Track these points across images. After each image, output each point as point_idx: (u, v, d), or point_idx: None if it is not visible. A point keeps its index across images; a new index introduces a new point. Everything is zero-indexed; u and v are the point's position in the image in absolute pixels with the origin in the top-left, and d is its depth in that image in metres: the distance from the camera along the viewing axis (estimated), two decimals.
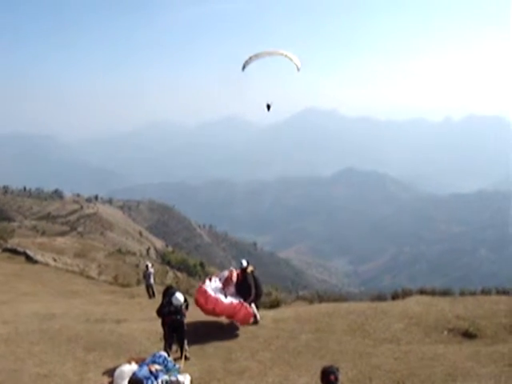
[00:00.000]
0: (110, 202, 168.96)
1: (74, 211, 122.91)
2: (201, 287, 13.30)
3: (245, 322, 13.15)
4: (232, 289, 13.51)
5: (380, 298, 17.46)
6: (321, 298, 20.50)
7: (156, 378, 8.30)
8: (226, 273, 14.04)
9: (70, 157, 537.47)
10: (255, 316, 13.56)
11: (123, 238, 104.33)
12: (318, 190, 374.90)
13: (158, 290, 20.82)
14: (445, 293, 15.83)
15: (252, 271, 13.73)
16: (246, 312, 12.96)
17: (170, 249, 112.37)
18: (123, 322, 14.62)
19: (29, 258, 33.75)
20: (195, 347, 11.84)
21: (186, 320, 11.07)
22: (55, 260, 40.28)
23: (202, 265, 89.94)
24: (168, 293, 11.29)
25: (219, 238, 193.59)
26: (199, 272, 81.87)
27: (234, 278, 13.70)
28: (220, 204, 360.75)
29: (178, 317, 10.76)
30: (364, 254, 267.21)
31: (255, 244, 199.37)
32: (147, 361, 8.85)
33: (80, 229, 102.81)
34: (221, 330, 13.29)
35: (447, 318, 12.65)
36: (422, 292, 16.12)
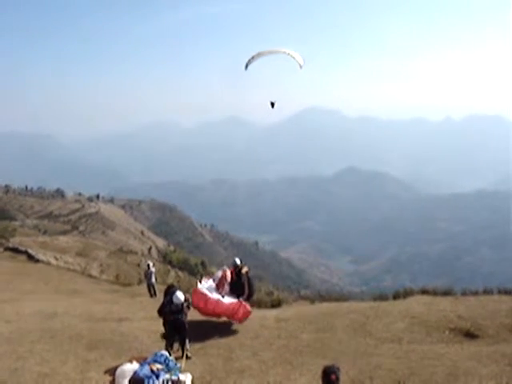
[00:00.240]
0: (111, 201, 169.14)
1: (76, 210, 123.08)
2: (197, 290, 13.25)
3: (243, 320, 13.23)
4: (227, 288, 13.56)
5: (381, 297, 17.46)
6: (322, 297, 20.52)
7: (157, 377, 8.29)
8: (219, 272, 14.00)
9: (71, 156, 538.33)
10: None
11: (125, 237, 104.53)
12: (320, 189, 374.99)
13: (160, 289, 20.83)
14: (446, 292, 15.82)
15: (247, 272, 13.80)
16: (245, 310, 13.06)
17: (171, 248, 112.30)
18: (124, 321, 14.64)
19: (30, 257, 33.79)
20: (196, 346, 11.85)
21: (187, 319, 11.09)
22: (57, 259, 40.27)
23: (203, 264, 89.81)
24: (169, 292, 11.30)
25: (221, 238, 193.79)
26: (201, 271, 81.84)
27: (228, 278, 13.74)
28: (221, 203, 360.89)
29: (180, 316, 10.78)
30: (365, 254, 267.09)
31: (257, 243, 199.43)
32: (148, 360, 8.83)
33: (82, 228, 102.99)
34: (222, 329, 13.30)
35: (449, 317, 12.64)
36: (423, 292, 16.11)
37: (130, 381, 8.33)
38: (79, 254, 50.34)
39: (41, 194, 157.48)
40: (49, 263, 34.82)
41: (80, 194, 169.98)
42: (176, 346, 11.10)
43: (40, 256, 35.84)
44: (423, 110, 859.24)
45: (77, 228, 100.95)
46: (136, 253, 74.90)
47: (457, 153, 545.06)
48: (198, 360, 11.03)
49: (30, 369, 10.14)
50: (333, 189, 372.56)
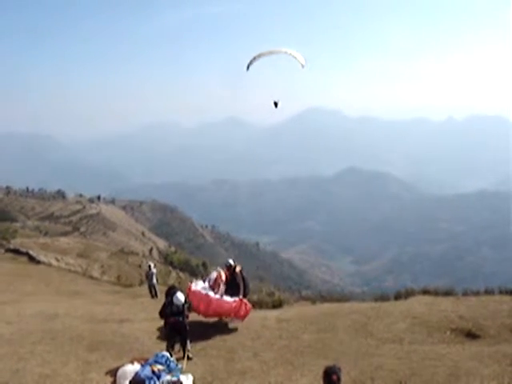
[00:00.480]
0: (112, 202, 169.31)
1: (77, 211, 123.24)
2: (195, 292, 13.18)
3: (244, 318, 13.26)
4: (222, 288, 13.55)
5: (383, 297, 17.44)
6: (323, 297, 20.49)
7: (158, 378, 8.30)
8: (214, 274, 13.95)
9: (71, 157, 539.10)
10: None
11: (126, 238, 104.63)
12: (321, 189, 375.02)
13: (161, 290, 20.85)
14: (447, 293, 15.79)
15: (240, 271, 13.83)
16: (246, 308, 13.13)
17: (172, 249, 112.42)
18: (126, 322, 14.64)
19: (32, 259, 33.81)
20: (197, 347, 11.85)
21: (188, 320, 11.10)
22: (58, 260, 40.33)
23: (204, 265, 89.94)
24: (170, 293, 11.31)
25: (222, 238, 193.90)
26: (202, 272, 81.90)
27: (223, 278, 13.73)
28: (222, 204, 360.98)
29: (181, 318, 10.79)
30: (367, 254, 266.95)
31: (258, 244, 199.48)
32: (150, 361, 8.85)
33: (83, 229, 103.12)
34: (223, 330, 13.30)
35: (450, 317, 12.62)
36: (424, 292, 16.08)
37: (131, 382, 8.34)
38: (80, 255, 50.43)
39: (42, 196, 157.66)
40: (50, 264, 34.84)
41: (81, 195, 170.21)
42: (177, 346, 11.10)
43: (41, 257, 35.86)
44: (425, 110, 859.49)
45: (78, 229, 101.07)
46: (137, 254, 75.00)
47: (458, 153, 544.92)
48: (199, 361, 11.02)
49: (31, 370, 10.14)
50: (334, 189, 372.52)
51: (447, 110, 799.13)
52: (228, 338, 12.70)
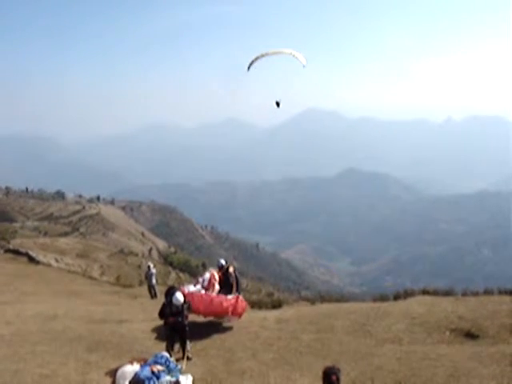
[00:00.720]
0: (112, 202, 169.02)
1: (76, 212, 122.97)
2: (193, 294, 13.17)
3: (241, 316, 13.42)
4: (217, 288, 13.67)
5: (382, 298, 17.46)
6: (323, 298, 20.50)
7: (158, 378, 8.31)
8: (207, 275, 14.06)
9: (71, 158, 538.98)
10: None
11: (125, 239, 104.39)
12: (320, 190, 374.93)
13: (160, 291, 20.87)
14: (447, 293, 15.81)
15: (234, 270, 14.02)
16: (243, 305, 13.31)
17: (172, 249, 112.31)
18: (125, 323, 14.64)
19: (31, 259, 33.81)
20: (197, 348, 11.86)
21: (188, 320, 11.11)
22: (57, 261, 40.37)
23: (204, 265, 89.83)
24: (170, 293, 11.33)
25: (221, 239, 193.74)
26: (201, 273, 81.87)
27: (217, 278, 13.84)
28: (222, 205, 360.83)
29: (180, 318, 10.79)
30: (366, 255, 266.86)
31: (257, 245, 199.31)
32: (149, 361, 8.86)
33: (82, 229, 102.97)
34: (222, 331, 13.31)
35: (449, 318, 12.63)
36: (424, 292, 16.10)
37: (130, 382, 8.35)
38: (80, 256, 50.44)
39: (41, 196, 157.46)
40: (49, 265, 34.87)
41: (80, 196, 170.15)
42: (177, 347, 11.11)
43: (40, 258, 35.90)
44: (424, 110, 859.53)
45: (77, 230, 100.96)
46: (136, 254, 74.98)
47: (458, 154, 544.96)
48: (198, 361, 11.03)
49: (30, 371, 10.14)
50: (333, 190, 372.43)
51: (446, 111, 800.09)
52: (227, 338, 12.71)
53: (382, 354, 10.89)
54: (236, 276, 13.86)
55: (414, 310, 13.49)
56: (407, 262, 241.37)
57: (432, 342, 11.54)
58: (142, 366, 8.63)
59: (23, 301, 19.31)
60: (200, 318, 13.58)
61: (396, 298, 16.51)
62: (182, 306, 10.92)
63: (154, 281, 22.29)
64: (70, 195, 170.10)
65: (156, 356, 9.08)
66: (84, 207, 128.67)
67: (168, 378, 8.46)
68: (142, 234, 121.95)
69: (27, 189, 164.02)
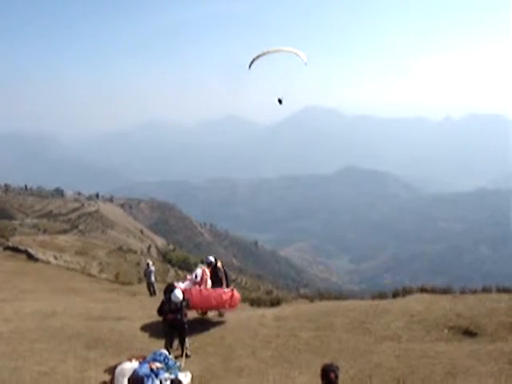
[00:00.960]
0: (111, 200, 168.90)
1: (75, 209, 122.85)
2: (191, 290, 13.33)
3: (236, 307, 13.94)
4: (209, 283, 14.01)
5: (381, 296, 17.44)
6: (321, 296, 20.49)
7: (157, 375, 8.31)
8: (199, 271, 14.30)
9: (70, 155, 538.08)
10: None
11: (124, 236, 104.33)
12: (319, 188, 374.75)
13: (159, 288, 20.88)
14: (445, 291, 15.80)
15: (222, 265, 14.62)
16: (238, 297, 13.85)
17: (171, 247, 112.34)
18: (124, 320, 14.65)
19: (30, 256, 33.74)
20: (196, 345, 11.87)
21: (186, 318, 11.11)
22: (56, 258, 40.33)
23: (202, 263, 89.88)
24: (168, 290, 11.34)
25: (220, 237, 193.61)
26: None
27: (208, 274, 14.21)
28: (221, 202, 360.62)
29: (179, 316, 10.80)
30: (365, 253, 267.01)
31: (256, 242, 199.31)
32: (148, 358, 8.86)
33: (81, 227, 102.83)
34: (221, 328, 13.33)
35: (448, 316, 12.64)
36: (422, 290, 16.09)
37: (129, 379, 8.35)
38: (79, 253, 50.38)
39: (40, 193, 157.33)
40: (48, 262, 34.82)
41: (79, 193, 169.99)
42: (175, 344, 11.12)
43: (39, 255, 35.83)
44: (423, 109, 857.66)
45: (76, 227, 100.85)
46: (135, 252, 74.97)
47: (457, 152, 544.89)
48: (197, 359, 11.05)
49: (29, 368, 10.15)
50: (332, 188, 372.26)
51: (446, 109, 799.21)
52: (226, 335, 12.73)
53: (380, 351, 10.91)
54: (224, 270, 14.53)
55: (412, 308, 13.50)
56: (406, 260, 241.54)
57: (430, 339, 11.56)
58: (140, 364, 8.63)
59: (22, 298, 19.31)
60: (198, 316, 13.62)
61: (395, 295, 16.50)
62: (181, 303, 10.93)
63: (152, 278, 22.27)
64: (68, 192, 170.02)
65: (155, 353, 9.08)
66: (83, 205, 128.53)
67: (167, 375, 8.47)
68: (141, 232, 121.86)
69: (26, 186, 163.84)
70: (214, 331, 13.03)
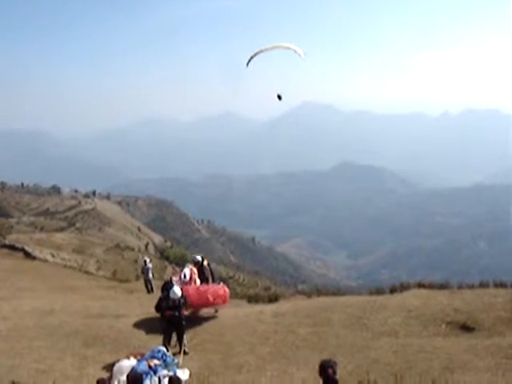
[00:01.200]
0: (108, 197, 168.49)
1: (72, 207, 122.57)
2: (189, 288, 13.42)
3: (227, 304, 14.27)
4: (198, 281, 14.25)
5: (378, 291, 17.47)
6: (319, 291, 20.54)
7: (155, 372, 8.31)
8: (187, 270, 14.47)
9: (67, 152, 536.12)
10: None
11: (121, 234, 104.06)
12: (316, 184, 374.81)
13: (157, 285, 20.88)
14: (443, 286, 15.84)
15: (208, 264, 14.97)
16: (227, 291, 14.23)
17: (168, 244, 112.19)
18: (122, 317, 14.65)
19: (27, 254, 33.70)
20: (194, 342, 11.88)
21: (185, 315, 11.12)
22: (53, 256, 40.24)
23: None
24: (167, 287, 11.33)
25: (218, 233, 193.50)
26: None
27: (196, 272, 14.47)
28: (218, 199, 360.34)
29: (177, 313, 10.80)
30: (362, 248, 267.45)
31: (253, 238, 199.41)
32: (146, 356, 8.86)
33: (78, 224, 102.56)
34: (219, 325, 13.34)
35: (445, 311, 12.68)
36: (420, 285, 16.12)
37: (128, 377, 8.33)
38: (76, 251, 50.28)
39: (37, 191, 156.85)
40: (45, 260, 34.76)
41: (76, 191, 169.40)
42: (173, 341, 11.12)
43: (37, 253, 35.78)
44: (420, 104, 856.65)
45: (73, 225, 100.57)
46: (133, 249, 74.72)
47: (454, 147, 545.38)
48: (195, 355, 11.06)
49: (27, 366, 10.15)
50: (329, 183, 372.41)
51: (443, 105, 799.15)
52: (224, 332, 12.74)
53: (378, 347, 10.94)
54: (210, 268, 14.94)
55: (410, 303, 13.54)
56: (403, 255, 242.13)
57: (428, 334, 11.59)
58: (139, 361, 8.63)
59: (19, 296, 19.28)
60: (197, 313, 13.63)
61: (392, 291, 16.53)
62: (179, 300, 10.93)
63: (150, 275, 22.28)
64: (65, 190, 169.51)
65: (153, 350, 9.08)
66: (80, 202, 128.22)
67: (165, 372, 8.46)
68: (138, 229, 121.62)
69: (23, 184, 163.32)
70: (212, 328, 13.04)
